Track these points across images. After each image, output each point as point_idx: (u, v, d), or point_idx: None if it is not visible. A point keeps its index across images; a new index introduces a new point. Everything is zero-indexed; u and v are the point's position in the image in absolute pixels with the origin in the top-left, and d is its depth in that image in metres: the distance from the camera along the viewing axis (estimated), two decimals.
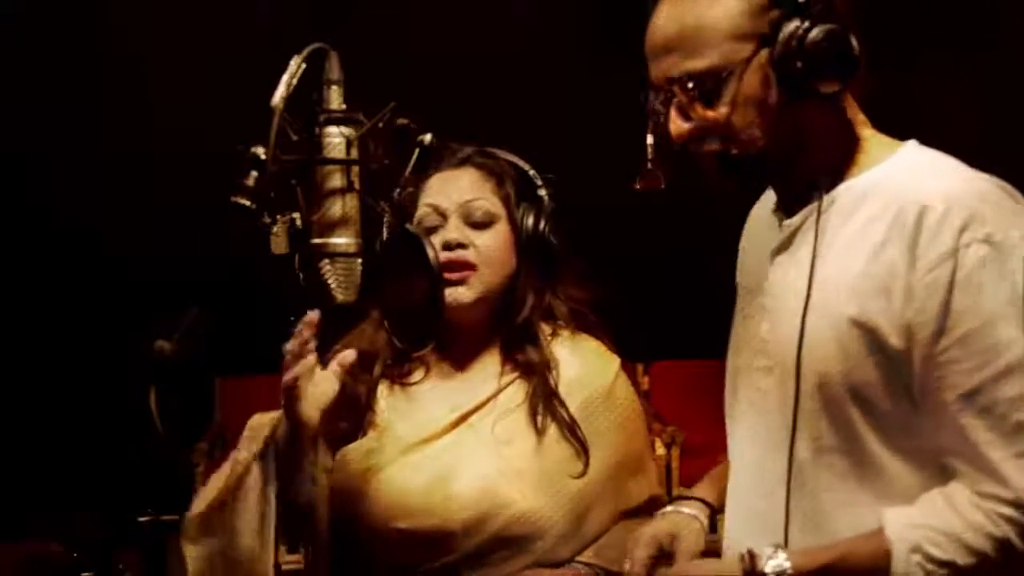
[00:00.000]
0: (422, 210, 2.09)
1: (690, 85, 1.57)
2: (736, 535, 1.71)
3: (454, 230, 2.06)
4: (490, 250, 2.06)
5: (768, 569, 1.55)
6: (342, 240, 1.85)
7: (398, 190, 1.94)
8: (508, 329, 2.10)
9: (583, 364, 2.11)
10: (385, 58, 3.90)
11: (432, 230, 2.06)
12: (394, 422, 2.07)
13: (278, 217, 1.82)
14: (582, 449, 2.04)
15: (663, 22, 1.59)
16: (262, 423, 1.97)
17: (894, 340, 1.53)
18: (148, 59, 5.11)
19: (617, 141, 2.13)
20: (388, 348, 2.09)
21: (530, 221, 2.09)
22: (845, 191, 1.61)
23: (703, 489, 1.88)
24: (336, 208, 1.85)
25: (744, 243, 1.82)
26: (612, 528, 2.06)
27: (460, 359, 2.12)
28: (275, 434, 1.92)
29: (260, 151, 1.78)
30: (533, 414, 2.05)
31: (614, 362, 2.15)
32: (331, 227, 1.85)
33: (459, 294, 2.04)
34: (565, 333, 2.13)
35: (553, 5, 5.48)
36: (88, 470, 4.80)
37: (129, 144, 5.09)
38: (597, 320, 2.15)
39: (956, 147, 1.65)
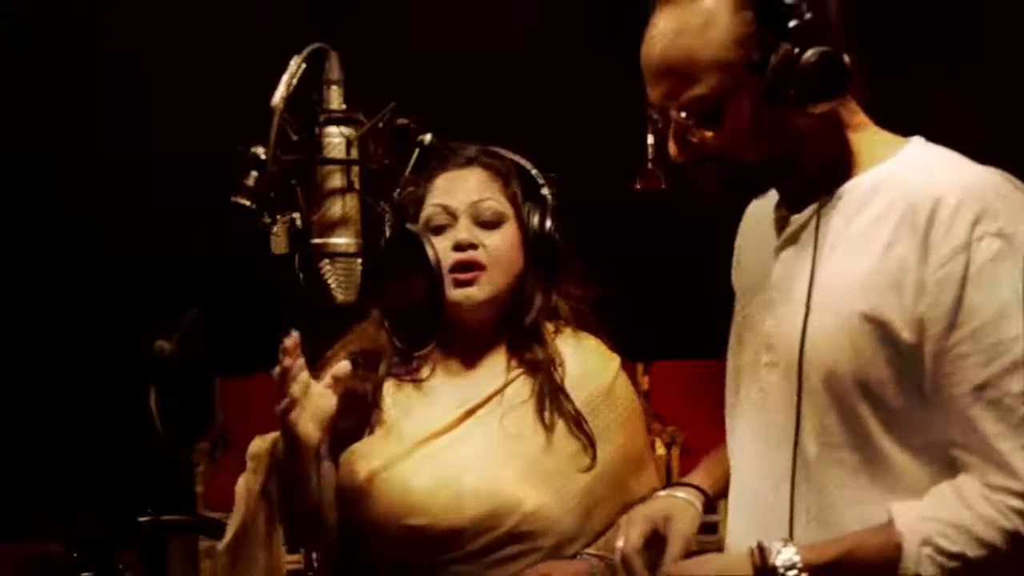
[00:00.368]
0: (430, 209, 2.09)
1: (683, 114, 1.58)
2: (740, 532, 1.72)
3: (464, 230, 2.06)
4: (500, 250, 2.07)
5: (778, 563, 1.55)
6: (342, 240, 1.85)
7: (398, 190, 1.95)
8: (515, 328, 2.11)
9: (584, 362, 2.12)
10: (385, 58, 3.90)
11: (441, 229, 2.07)
12: (401, 420, 2.08)
13: (278, 217, 1.83)
14: (589, 443, 2.05)
15: (656, 44, 1.59)
16: (262, 450, 1.98)
17: (906, 335, 1.53)
18: (148, 59, 5.10)
19: (617, 141, 2.13)
20: (392, 346, 2.09)
21: (536, 221, 2.10)
22: (852, 188, 1.61)
23: (698, 476, 1.89)
24: (336, 208, 1.85)
25: (740, 241, 1.83)
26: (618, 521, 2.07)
27: (467, 357, 2.12)
28: (275, 458, 1.93)
29: (260, 151, 1.78)
30: (540, 409, 2.06)
31: (614, 361, 2.16)
32: (331, 227, 1.85)
33: (470, 294, 2.05)
34: (567, 331, 2.14)
35: (553, 5, 5.48)
36: (88, 470, 4.79)
37: (129, 144, 5.09)
38: (597, 319, 2.16)
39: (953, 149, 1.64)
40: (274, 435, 1.95)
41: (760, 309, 1.70)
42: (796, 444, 1.61)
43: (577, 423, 2.06)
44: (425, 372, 2.12)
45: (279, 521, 1.97)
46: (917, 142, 1.64)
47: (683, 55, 1.56)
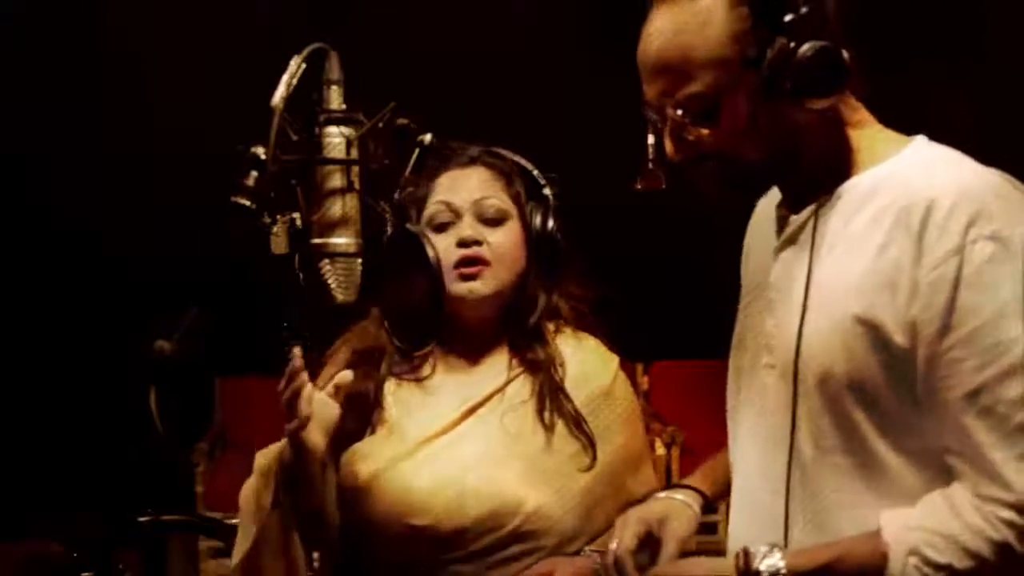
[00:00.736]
0: (433, 207, 2.09)
1: (679, 112, 1.57)
2: (739, 534, 1.70)
3: (468, 227, 2.07)
4: (503, 247, 2.08)
5: (762, 568, 1.54)
6: (342, 240, 1.85)
7: (398, 190, 1.95)
8: (517, 327, 2.11)
9: (584, 362, 2.13)
10: (385, 58, 3.90)
11: (445, 227, 2.08)
12: (402, 419, 2.08)
13: (278, 217, 1.82)
14: (589, 443, 2.05)
15: (652, 42, 1.58)
16: (270, 464, 1.98)
17: (899, 338, 1.51)
18: (148, 59, 5.11)
19: (617, 141, 2.13)
20: (392, 345, 2.10)
21: (539, 220, 2.10)
22: (851, 187, 1.59)
23: (697, 479, 1.88)
24: (336, 208, 1.85)
25: (748, 239, 1.81)
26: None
27: (468, 355, 2.13)
28: (283, 466, 1.94)
29: (260, 151, 1.78)
30: (540, 409, 2.06)
31: (613, 361, 2.17)
32: (331, 227, 1.85)
33: (474, 288, 2.05)
34: (567, 331, 2.15)
35: (553, 5, 5.48)
36: (88, 470, 4.80)
37: (129, 144, 5.09)
38: (596, 319, 2.16)
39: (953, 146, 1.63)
40: (277, 446, 1.96)
41: (761, 310, 1.69)
42: (792, 448, 1.59)
43: (577, 423, 2.06)
44: (426, 371, 2.12)
45: (292, 526, 1.98)
46: (920, 141, 1.62)
47: (679, 52, 1.55)
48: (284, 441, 1.92)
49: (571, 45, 5.32)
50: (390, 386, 2.12)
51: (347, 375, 1.91)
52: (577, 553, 2.03)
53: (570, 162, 2.20)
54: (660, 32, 1.57)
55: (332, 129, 1.85)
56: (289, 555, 1.97)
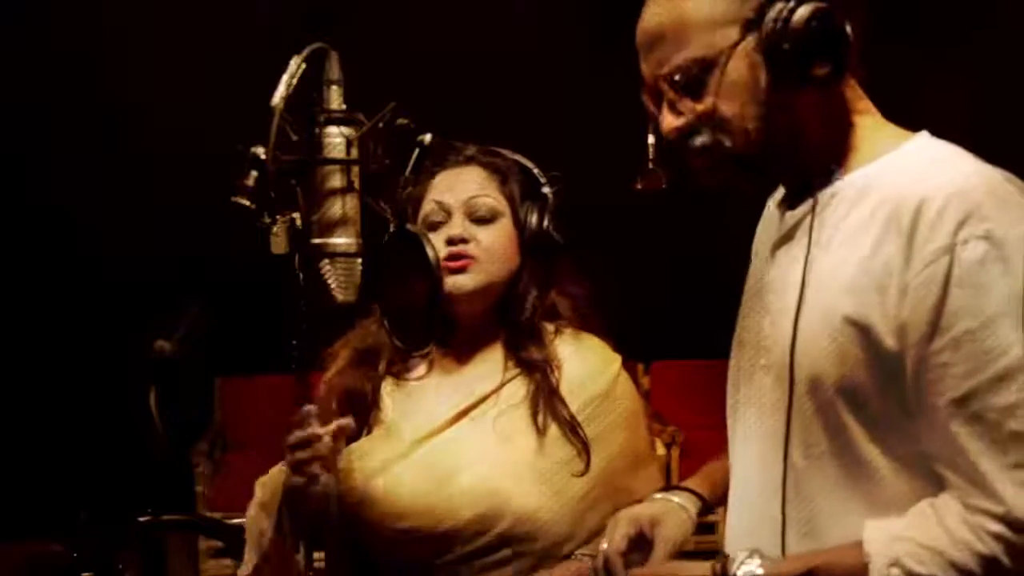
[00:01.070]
0: (428, 206, 2.11)
1: (676, 78, 1.53)
2: (735, 534, 1.69)
3: (457, 226, 2.08)
4: (492, 245, 2.08)
5: (739, 574, 1.52)
6: (342, 240, 1.85)
7: (399, 190, 1.95)
8: (511, 326, 2.11)
9: (585, 363, 2.12)
10: (385, 58, 3.90)
11: (437, 226, 2.08)
12: (397, 419, 2.08)
13: (278, 217, 1.82)
14: (583, 449, 2.04)
15: (648, 18, 1.57)
16: (267, 501, 2.00)
17: (889, 341, 1.46)
18: (148, 59, 5.11)
19: (617, 141, 2.13)
20: (391, 345, 2.10)
21: (534, 219, 2.11)
22: (848, 183, 1.55)
23: (696, 481, 1.87)
24: (336, 208, 1.85)
25: (756, 238, 1.77)
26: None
27: (463, 355, 2.13)
28: (286, 497, 1.96)
29: (260, 151, 1.78)
30: (534, 412, 2.06)
31: (615, 361, 2.16)
32: (331, 227, 1.85)
33: (459, 282, 2.05)
34: (568, 332, 2.14)
35: (553, 5, 5.48)
36: (88, 470, 4.80)
37: (129, 144, 5.09)
38: (599, 319, 2.16)
39: (954, 133, 1.58)
40: (277, 478, 1.98)
41: (759, 308, 1.66)
42: (786, 451, 1.55)
43: (571, 428, 2.05)
44: (423, 371, 2.13)
45: (295, 549, 1.99)
46: (922, 137, 1.57)
47: (675, 16, 1.53)
48: (285, 473, 1.91)
49: (571, 45, 5.33)
50: (388, 386, 2.12)
51: (348, 422, 1.92)
52: (568, 556, 2.02)
53: (570, 162, 2.20)
54: (657, 2, 1.56)
55: (332, 129, 1.85)
56: (292, 567, 1.98)
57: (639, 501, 2.06)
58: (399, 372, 2.13)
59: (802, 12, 1.48)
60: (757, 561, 1.52)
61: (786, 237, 1.62)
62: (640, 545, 1.76)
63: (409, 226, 2.01)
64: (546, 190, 2.13)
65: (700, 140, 1.55)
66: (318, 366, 2.09)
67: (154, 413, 1.84)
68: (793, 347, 1.53)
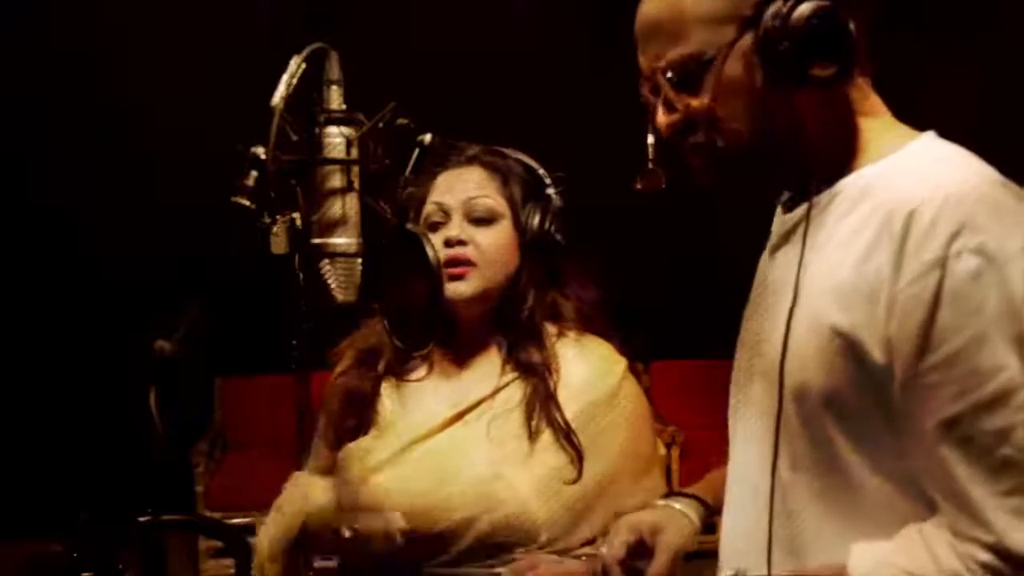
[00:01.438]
0: (429, 207, 2.11)
1: (670, 74, 1.49)
2: (730, 540, 1.64)
3: (455, 227, 2.08)
4: (491, 247, 2.07)
5: None
6: (342, 240, 1.85)
7: (399, 190, 1.95)
8: (511, 328, 2.10)
9: (588, 366, 2.12)
10: (385, 58, 3.89)
11: (436, 226, 2.08)
12: (394, 420, 2.08)
13: (278, 217, 1.83)
14: (576, 456, 2.03)
15: (645, 11, 1.53)
16: (283, 548, 2.05)
17: (876, 354, 1.39)
18: (148, 59, 5.10)
19: (617, 141, 2.13)
20: (391, 345, 2.10)
21: (535, 220, 2.10)
22: (848, 185, 1.49)
23: (701, 487, 1.85)
24: (336, 208, 1.85)
25: (770, 238, 1.70)
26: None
27: (461, 357, 2.13)
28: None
29: (260, 151, 1.78)
30: (528, 417, 2.05)
31: (620, 364, 2.15)
32: (331, 227, 1.85)
33: (457, 289, 2.05)
34: (571, 334, 2.13)
35: (553, 5, 5.48)
36: (88, 470, 4.79)
37: (129, 144, 5.09)
38: (605, 321, 2.15)
39: (958, 126, 1.55)
40: (280, 529, 2.04)
41: (761, 311, 1.61)
42: (774, 465, 1.49)
43: (566, 435, 2.04)
44: (423, 371, 2.12)
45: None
46: (927, 137, 1.51)
47: (671, 12, 1.49)
48: (285, 525, 1.97)
49: (571, 45, 5.32)
50: (388, 386, 2.12)
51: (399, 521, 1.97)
52: (567, 553, 2.02)
53: (570, 162, 2.20)
54: None
55: (332, 129, 1.85)
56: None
57: (642, 506, 2.07)
58: (400, 373, 2.13)
59: (803, 10, 1.43)
60: None
61: (785, 238, 1.58)
62: (641, 552, 1.74)
63: (409, 226, 2.01)
64: (550, 191, 2.13)
65: (693, 137, 1.52)
66: (318, 366, 2.09)
67: (154, 413, 1.84)
68: (784, 353, 1.48)
